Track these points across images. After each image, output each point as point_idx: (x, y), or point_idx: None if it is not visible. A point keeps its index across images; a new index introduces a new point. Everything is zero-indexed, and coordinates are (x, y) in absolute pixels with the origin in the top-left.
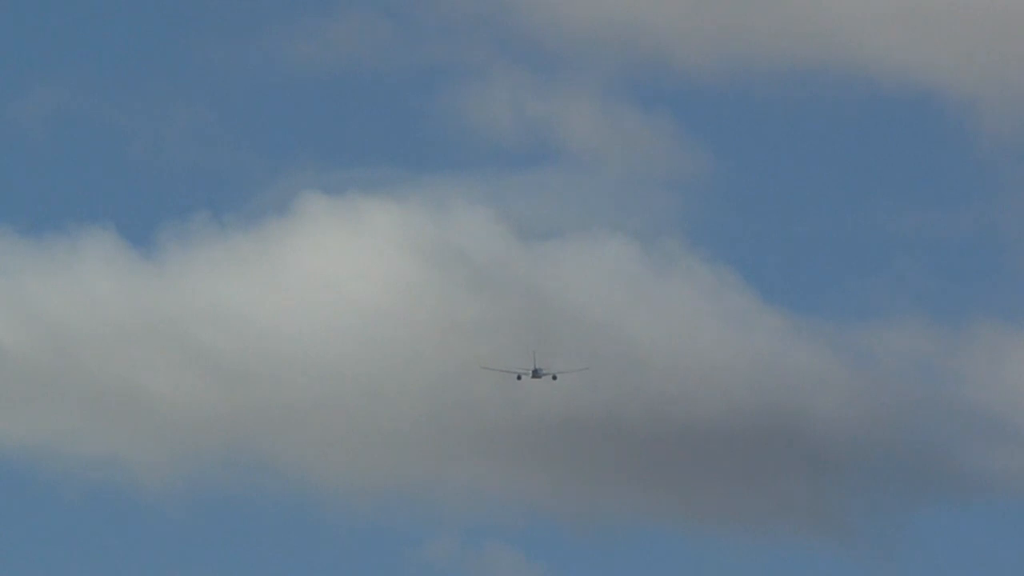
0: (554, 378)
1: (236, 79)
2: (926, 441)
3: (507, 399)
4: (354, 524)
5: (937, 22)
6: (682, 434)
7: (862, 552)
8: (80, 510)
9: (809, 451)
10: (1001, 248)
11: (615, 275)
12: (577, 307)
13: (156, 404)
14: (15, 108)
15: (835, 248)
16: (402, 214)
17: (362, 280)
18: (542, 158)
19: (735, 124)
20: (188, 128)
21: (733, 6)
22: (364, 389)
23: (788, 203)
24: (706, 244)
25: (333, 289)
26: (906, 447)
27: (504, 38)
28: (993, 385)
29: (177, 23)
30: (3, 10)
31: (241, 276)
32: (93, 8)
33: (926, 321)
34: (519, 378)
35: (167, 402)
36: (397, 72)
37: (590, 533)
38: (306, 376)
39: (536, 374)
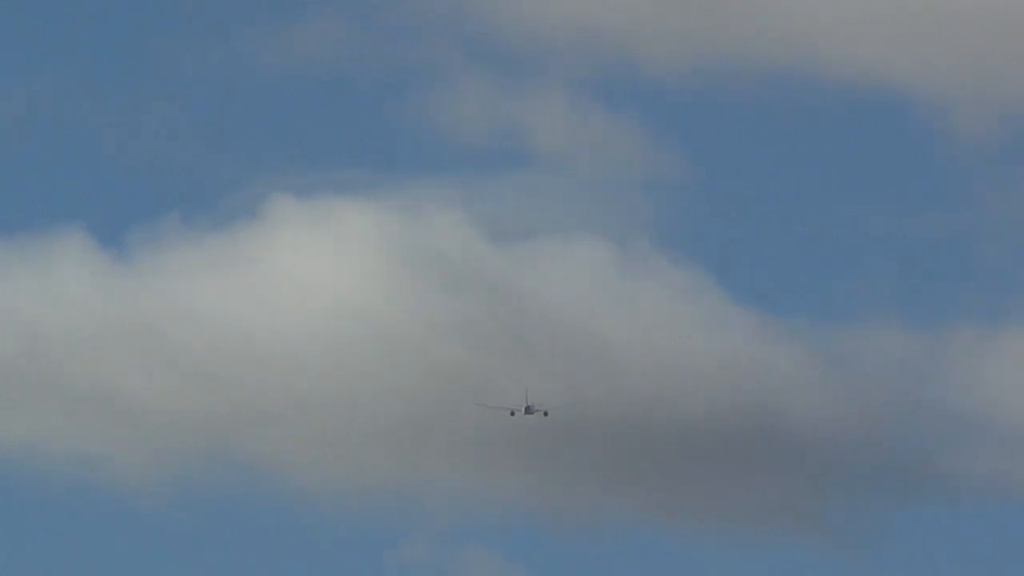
0: (545, 414)
1: (207, 82)
2: (906, 442)
3: (485, 401)
4: (332, 525)
5: (907, 25)
6: (660, 436)
7: (842, 552)
8: (58, 512)
9: (789, 453)
10: (976, 250)
11: (588, 276)
12: (551, 308)
13: (130, 405)
14: None
15: (809, 250)
16: (374, 217)
17: (335, 282)
18: (513, 160)
19: (706, 126)
20: (159, 130)
21: (702, 8)
22: (339, 391)
23: (761, 205)
24: (679, 245)
25: (306, 291)
26: (886, 448)
27: (473, 41)
28: (971, 386)
29: (148, 25)
30: None
31: (215, 278)
32: (64, 9)
33: (902, 323)
34: (512, 414)
35: (141, 403)
36: (367, 75)
37: (571, 534)
38: (281, 378)
39: (528, 410)
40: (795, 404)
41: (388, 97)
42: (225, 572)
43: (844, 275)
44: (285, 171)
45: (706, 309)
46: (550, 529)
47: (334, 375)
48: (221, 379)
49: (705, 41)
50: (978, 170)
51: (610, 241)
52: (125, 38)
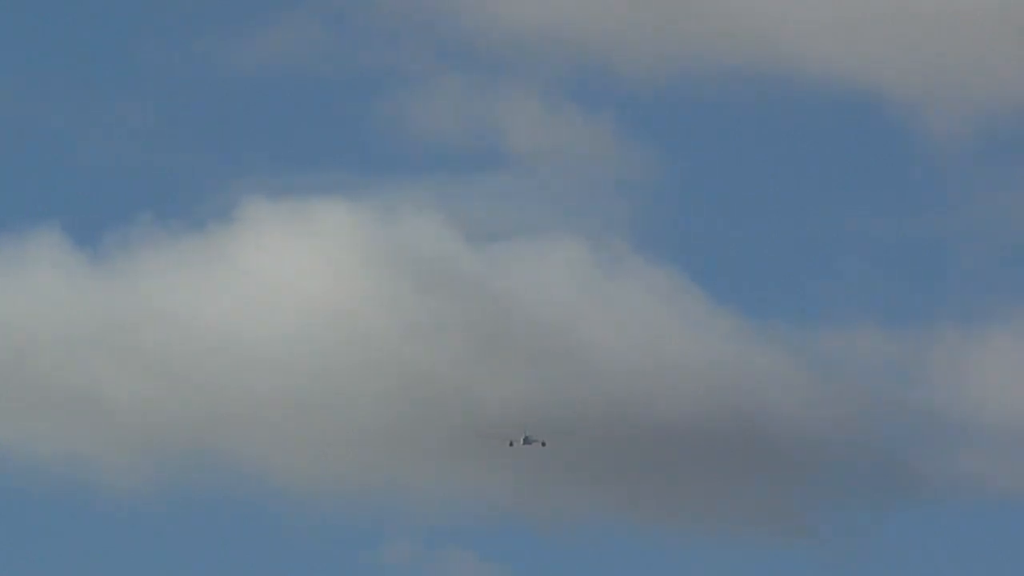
0: (543, 444)
1: (183, 82)
2: (890, 444)
3: (465, 402)
4: (314, 525)
5: (881, 25)
6: (640, 437)
7: (826, 555)
8: (39, 514)
9: (771, 455)
10: (959, 251)
11: (566, 278)
12: (528, 309)
13: (105, 405)
14: None
15: (789, 250)
16: (350, 218)
17: (311, 284)
18: (490, 161)
19: (683, 126)
20: (135, 130)
21: (678, 9)
22: (318, 392)
23: (739, 205)
24: (656, 246)
25: (283, 292)
26: (870, 450)
27: (448, 42)
28: (954, 388)
29: (123, 24)
30: None
31: (190, 279)
32: (38, 8)
33: (884, 324)
34: (511, 444)
35: (116, 404)
36: (342, 76)
37: (552, 536)
38: (257, 379)
39: (527, 441)
40: (777, 406)
41: (363, 98)
42: (208, 573)
43: (825, 276)
44: (261, 172)
45: (685, 311)
46: (532, 531)
47: (311, 376)
48: (196, 380)
49: (681, 42)
50: (961, 171)
51: (587, 242)
52: (100, 37)
